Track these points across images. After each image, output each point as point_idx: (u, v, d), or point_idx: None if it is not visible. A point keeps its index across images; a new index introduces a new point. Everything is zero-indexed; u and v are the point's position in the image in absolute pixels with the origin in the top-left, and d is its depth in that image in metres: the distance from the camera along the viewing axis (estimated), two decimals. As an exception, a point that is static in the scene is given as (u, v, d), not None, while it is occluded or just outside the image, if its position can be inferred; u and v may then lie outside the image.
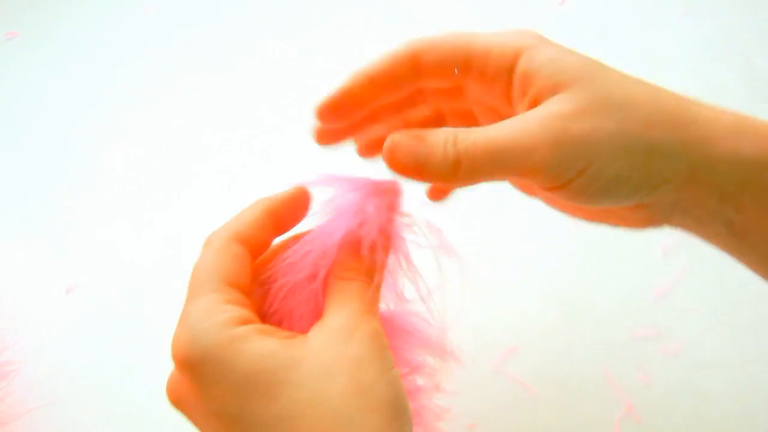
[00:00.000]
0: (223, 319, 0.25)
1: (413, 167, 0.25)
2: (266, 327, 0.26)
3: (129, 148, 0.62)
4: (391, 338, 0.28)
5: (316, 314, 0.27)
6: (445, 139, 0.25)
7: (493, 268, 0.51)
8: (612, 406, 0.44)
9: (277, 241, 0.30)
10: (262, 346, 0.24)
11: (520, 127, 0.25)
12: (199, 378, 0.24)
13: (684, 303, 0.48)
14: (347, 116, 0.30)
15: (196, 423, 0.26)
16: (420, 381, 0.32)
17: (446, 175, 0.25)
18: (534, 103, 0.26)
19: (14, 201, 0.59)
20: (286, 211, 0.29)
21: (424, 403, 0.32)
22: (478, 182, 0.26)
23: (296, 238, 0.30)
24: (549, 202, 0.32)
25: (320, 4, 0.75)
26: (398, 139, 0.25)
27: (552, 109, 0.25)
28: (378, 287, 0.27)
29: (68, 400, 0.46)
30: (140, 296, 0.52)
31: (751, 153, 0.25)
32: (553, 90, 0.26)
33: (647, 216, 0.28)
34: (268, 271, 0.29)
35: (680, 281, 0.49)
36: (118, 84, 0.68)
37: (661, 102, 0.26)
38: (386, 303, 0.30)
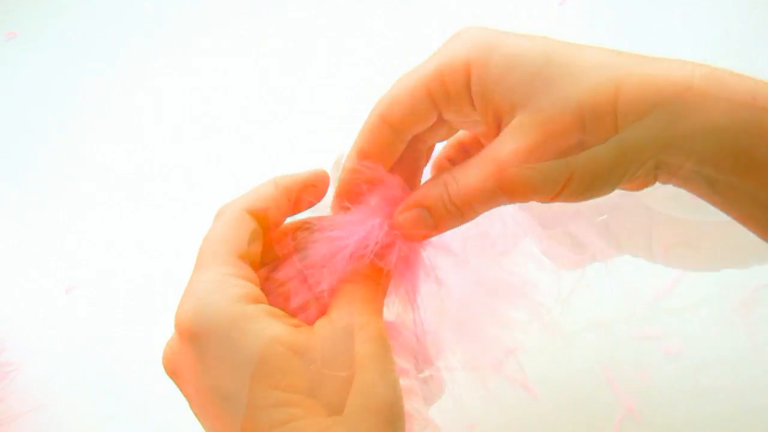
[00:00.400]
0: (235, 293, 0.25)
1: (428, 232, 0.27)
2: (275, 310, 0.26)
3: (128, 148, 0.62)
4: (392, 341, 0.28)
5: (321, 308, 0.27)
6: (440, 197, 0.26)
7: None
8: (612, 407, 0.44)
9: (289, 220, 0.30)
10: (271, 329, 0.24)
11: (487, 171, 0.25)
12: (202, 351, 0.24)
13: (684, 302, 0.48)
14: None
15: (187, 395, 0.26)
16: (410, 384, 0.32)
17: (455, 223, 0.27)
18: (498, 121, 0.26)
19: (12, 201, 0.59)
20: (303, 190, 0.29)
21: (413, 408, 0.32)
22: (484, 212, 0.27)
23: (307, 223, 0.30)
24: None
25: (318, 5, 0.75)
26: (403, 219, 0.27)
27: (513, 146, 0.25)
28: (384, 292, 0.28)
29: (66, 400, 0.46)
30: (139, 297, 0.52)
31: (725, 123, 0.24)
32: (512, 110, 0.25)
33: (635, 184, 0.28)
34: (278, 252, 0.29)
35: (681, 280, 0.49)
36: (116, 84, 0.68)
37: (622, 84, 0.25)
38: (390, 308, 0.31)
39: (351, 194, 0.29)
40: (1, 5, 0.76)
